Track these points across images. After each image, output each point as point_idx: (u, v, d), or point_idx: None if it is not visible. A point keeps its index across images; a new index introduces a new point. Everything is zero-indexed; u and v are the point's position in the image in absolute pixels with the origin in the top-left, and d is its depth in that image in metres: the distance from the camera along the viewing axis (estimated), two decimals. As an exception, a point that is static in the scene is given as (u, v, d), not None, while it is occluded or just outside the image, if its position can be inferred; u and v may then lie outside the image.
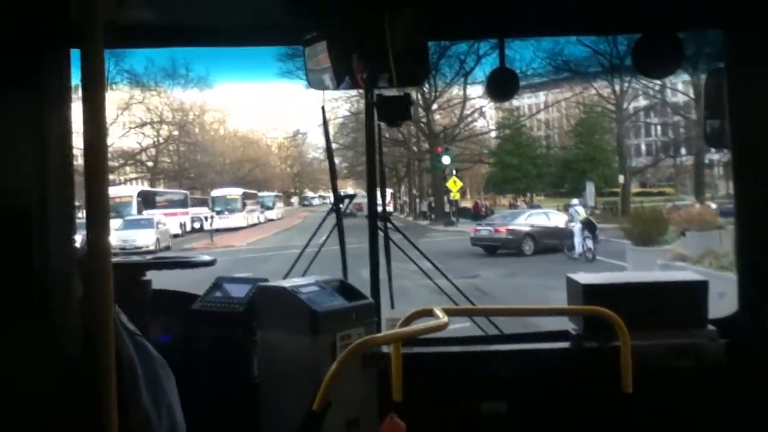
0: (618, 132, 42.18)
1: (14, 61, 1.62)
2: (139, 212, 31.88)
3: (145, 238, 26.58)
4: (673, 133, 45.05)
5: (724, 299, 3.39)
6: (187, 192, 42.56)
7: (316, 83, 2.87)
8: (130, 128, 43.51)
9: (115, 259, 1.57)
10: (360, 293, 3.07)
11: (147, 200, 34.63)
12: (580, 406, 2.98)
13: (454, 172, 35.79)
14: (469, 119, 43.62)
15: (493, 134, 48.98)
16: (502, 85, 3.05)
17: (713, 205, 23.57)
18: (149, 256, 3.78)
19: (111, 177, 41.32)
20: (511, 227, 24.18)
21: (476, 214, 38.53)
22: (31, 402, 1.61)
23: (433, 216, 39.41)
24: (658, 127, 48.55)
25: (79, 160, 1.64)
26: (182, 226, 36.69)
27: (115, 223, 27.77)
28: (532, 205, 37.60)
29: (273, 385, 2.89)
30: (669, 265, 12.68)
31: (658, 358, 3.00)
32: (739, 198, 2.98)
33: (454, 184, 34.29)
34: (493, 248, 23.67)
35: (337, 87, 2.85)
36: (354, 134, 40.74)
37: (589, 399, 2.96)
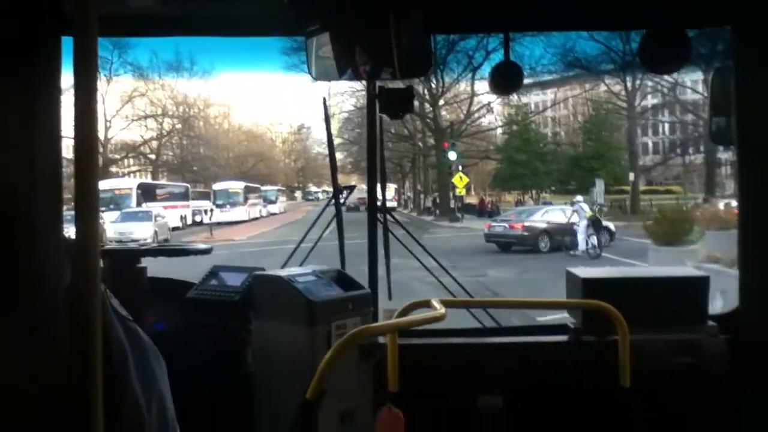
0: (629, 129, 41.98)
1: (4, 48, 1.60)
2: (139, 205, 31.83)
3: (142, 231, 26.52)
4: (682, 130, 44.91)
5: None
6: (188, 185, 42.60)
7: (318, 74, 2.87)
8: (133, 120, 43.59)
9: (109, 246, 1.59)
10: (357, 283, 3.09)
11: (147, 193, 34.62)
12: (578, 401, 3.00)
13: (460, 168, 35.74)
14: (477, 115, 43.53)
15: (501, 130, 48.87)
16: (506, 79, 3.04)
17: (734, 203, 23.19)
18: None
19: (113, 169, 41.48)
20: (527, 224, 23.77)
21: (481, 211, 38.53)
22: (15, 391, 1.63)
23: (437, 212, 39.40)
24: (666, 125, 48.41)
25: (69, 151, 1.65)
26: (183, 219, 36.78)
27: (112, 216, 27.82)
28: (544, 202, 37.28)
29: (268, 374, 2.91)
30: (701, 267, 12.10)
31: (657, 354, 3.01)
32: (743, 194, 2.98)
33: (460, 180, 34.24)
34: (507, 245, 23.38)
35: (339, 78, 2.87)
36: (359, 129, 40.81)
37: (587, 393, 2.98)
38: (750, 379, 2.89)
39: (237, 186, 42.20)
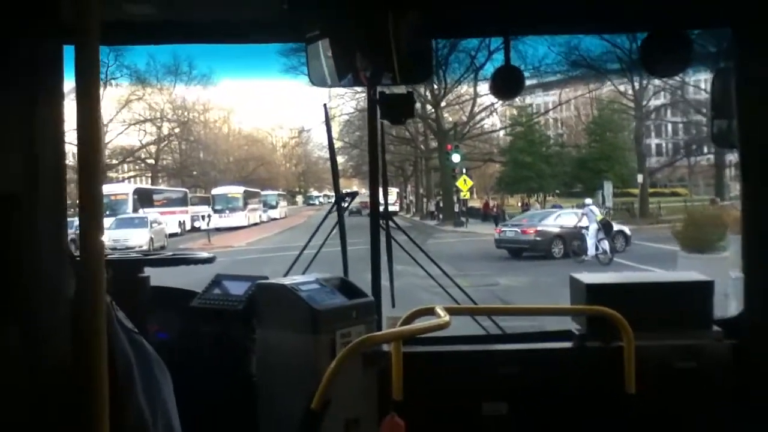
0: (636, 129, 41.83)
1: (7, 56, 1.63)
2: (135, 210, 31.55)
3: (137, 238, 26.18)
4: (687, 131, 44.84)
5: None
6: (186, 190, 42.54)
7: (318, 80, 2.92)
8: (130, 125, 43.65)
9: (112, 256, 1.61)
10: (361, 291, 3.13)
11: (143, 198, 34.41)
12: (583, 407, 3.03)
13: (464, 170, 35.60)
14: (480, 116, 43.49)
15: (505, 132, 48.76)
16: (507, 83, 3.10)
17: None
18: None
19: (110, 174, 41.53)
20: (539, 228, 23.01)
21: (486, 215, 38.40)
22: (20, 401, 1.63)
23: (440, 216, 39.27)
24: (669, 126, 48.32)
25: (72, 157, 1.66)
26: (181, 225, 36.60)
27: (106, 222, 27.52)
28: (554, 206, 36.84)
29: (272, 383, 2.94)
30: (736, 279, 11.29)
31: (662, 359, 3.04)
32: (746, 197, 3.02)
33: (464, 184, 33.94)
34: (518, 251, 22.51)
35: (339, 84, 2.95)
36: (359, 132, 40.71)
37: (592, 399, 3.01)
38: (755, 384, 2.92)
39: (236, 191, 42.04)
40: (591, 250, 21.19)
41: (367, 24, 2.64)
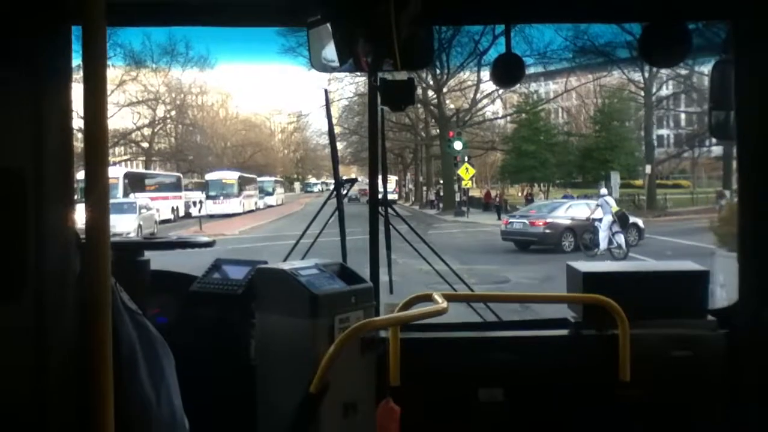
0: (645, 119, 41.63)
1: (16, 37, 1.67)
2: (125, 195, 31.00)
3: (125, 224, 25.45)
4: (690, 122, 44.76)
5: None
6: (180, 175, 42.26)
7: (319, 66, 2.98)
8: (122, 106, 43.45)
9: (113, 239, 1.65)
10: (359, 277, 3.19)
11: (134, 183, 33.94)
12: (578, 394, 3.14)
13: (467, 158, 35.38)
14: (482, 103, 43.29)
15: (508, 119, 48.59)
16: (508, 71, 3.16)
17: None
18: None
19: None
20: (549, 220, 22.28)
21: (487, 204, 38.39)
22: (26, 379, 1.68)
23: (440, 205, 39.24)
24: (675, 117, 48.22)
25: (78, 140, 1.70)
26: (175, 211, 36.41)
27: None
28: (565, 196, 36.37)
29: (270, 367, 3.02)
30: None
31: (656, 348, 3.15)
32: (743, 189, 3.11)
33: (466, 172, 33.60)
34: (526, 243, 21.95)
35: (340, 70, 3.00)
36: (359, 117, 40.58)
37: (587, 386, 3.12)
38: (748, 373, 3.02)
39: (231, 176, 41.68)
40: (603, 244, 20.59)
41: (368, 9, 2.66)
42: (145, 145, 48.15)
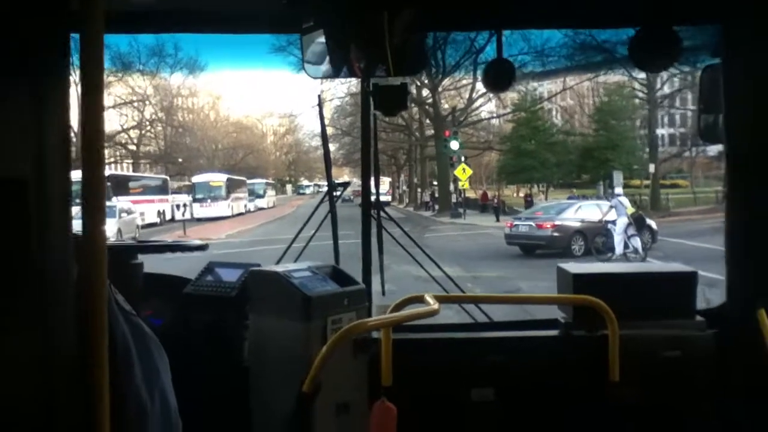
0: (648, 117, 41.51)
1: (15, 42, 1.72)
2: (109, 199, 30.62)
3: None
4: (684, 122, 44.72)
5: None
6: (166, 177, 41.88)
7: (313, 72, 3.08)
8: (108, 108, 43.25)
9: (107, 242, 1.72)
10: (352, 279, 3.30)
11: (117, 185, 33.15)
12: (568, 393, 3.25)
13: (463, 158, 35.23)
14: (479, 102, 43.13)
15: (506, 119, 48.43)
16: (499, 76, 3.28)
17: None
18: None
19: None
20: (557, 222, 21.35)
21: (484, 206, 38.31)
22: (22, 380, 1.73)
23: (436, 207, 39.08)
24: (675, 116, 48.21)
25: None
26: (161, 214, 36.03)
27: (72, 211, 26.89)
28: (570, 197, 35.21)
29: (264, 369, 3.11)
30: None
31: (646, 348, 3.27)
32: (731, 191, 3.24)
33: (462, 173, 33.50)
34: (532, 247, 20.92)
35: (334, 76, 3.10)
36: (351, 117, 40.32)
37: (577, 386, 3.24)
38: (736, 373, 3.15)
39: (218, 179, 41.27)
40: (619, 248, 19.54)
41: (362, 17, 2.79)
42: (133, 147, 48.02)
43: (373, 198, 3.85)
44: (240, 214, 41.48)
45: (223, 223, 35.19)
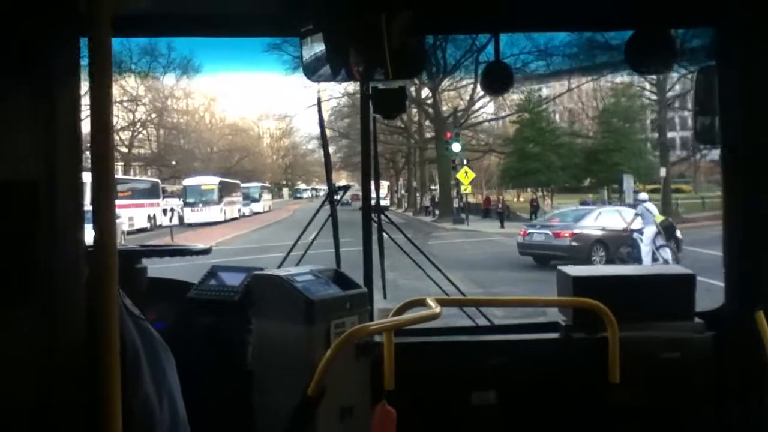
0: (659, 119, 41.35)
1: (25, 46, 1.80)
2: (92, 202, 30.68)
3: None
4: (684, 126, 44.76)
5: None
6: (157, 180, 41.19)
7: (311, 75, 3.17)
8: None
9: None
10: (354, 282, 3.39)
11: None
12: (568, 396, 3.36)
13: (465, 161, 34.94)
14: (480, 103, 42.91)
15: (509, 120, 48.35)
16: (497, 79, 3.40)
17: None
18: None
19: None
20: (576, 231, 19.97)
21: (487, 210, 38.22)
22: (34, 382, 1.81)
23: (436, 212, 38.87)
24: (680, 119, 48.28)
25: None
26: (151, 219, 35.41)
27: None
28: (583, 202, 34.22)
29: (267, 372, 3.21)
30: None
31: (645, 350, 3.38)
32: (728, 193, 3.36)
33: (465, 176, 32.91)
34: (547, 258, 19.33)
35: (333, 79, 3.20)
36: (349, 119, 40.11)
37: (577, 389, 3.35)
38: (735, 374, 3.26)
39: (210, 182, 40.44)
40: (647, 260, 18.11)
41: (361, 20, 2.88)
42: (124, 149, 47.97)
43: (373, 202, 3.92)
44: (234, 218, 40.91)
45: (215, 228, 34.49)
